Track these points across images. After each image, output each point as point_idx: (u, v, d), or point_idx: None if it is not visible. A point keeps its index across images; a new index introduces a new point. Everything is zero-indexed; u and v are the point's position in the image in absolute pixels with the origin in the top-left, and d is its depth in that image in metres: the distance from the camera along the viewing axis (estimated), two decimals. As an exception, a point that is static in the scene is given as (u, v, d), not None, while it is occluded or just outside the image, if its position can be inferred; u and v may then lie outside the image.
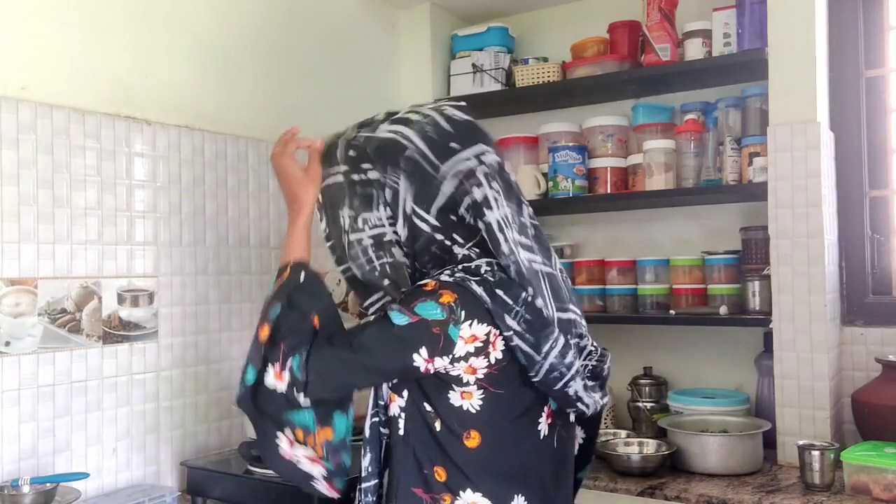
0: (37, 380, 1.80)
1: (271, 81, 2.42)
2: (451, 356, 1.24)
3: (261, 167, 2.37)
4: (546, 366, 1.27)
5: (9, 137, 1.77)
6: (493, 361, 1.26)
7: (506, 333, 1.25)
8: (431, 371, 1.25)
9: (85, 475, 1.81)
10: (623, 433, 2.36)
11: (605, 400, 1.43)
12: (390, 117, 1.40)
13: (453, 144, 1.32)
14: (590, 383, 1.37)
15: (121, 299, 1.98)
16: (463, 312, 1.23)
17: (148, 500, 1.86)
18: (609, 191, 2.59)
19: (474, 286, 1.24)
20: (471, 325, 1.23)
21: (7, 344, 1.75)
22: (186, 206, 2.15)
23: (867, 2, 2.37)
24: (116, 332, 1.96)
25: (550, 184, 2.62)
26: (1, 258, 1.75)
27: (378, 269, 1.39)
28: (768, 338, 2.26)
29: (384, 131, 1.37)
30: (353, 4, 2.75)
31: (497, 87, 2.78)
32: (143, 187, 2.05)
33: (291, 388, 1.22)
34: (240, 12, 2.32)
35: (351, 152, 1.39)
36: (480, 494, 1.28)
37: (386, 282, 1.40)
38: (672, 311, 2.47)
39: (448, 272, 1.28)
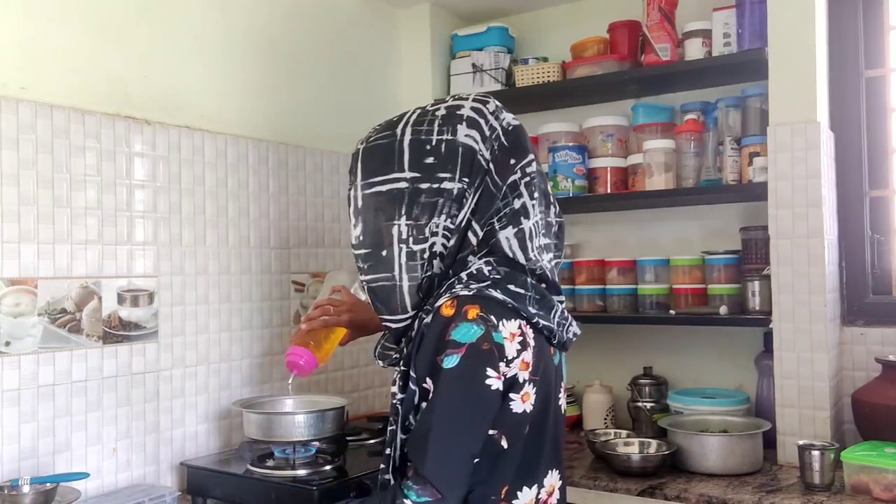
0: (37, 380, 1.80)
1: (271, 81, 2.43)
2: (506, 360, 1.26)
3: (261, 167, 2.37)
4: (557, 326, 1.35)
5: (9, 137, 1.77)
6: (533, 349, 1.30)
7: (532, 321, 1.30)
8: (502, 388, 1.25)
9: (85, 475, 1.81)
10: (623, 433, 2.36)
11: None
12: (453, 111, 1.36)
13: (512, 161, 1.35)
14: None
15: (121, 299, 1.98)
16: (492, 317, 1.25)
17: (148, 500, 1.86)
18: (609, 191, 2.59)
19: (493, 293, 1.27)
20: (504, 324, 1.26)
21: (7, 344, 1.75)
22: (186, 206, 2.15)
23: (867, 2, 2.37)
24: (116, 332, 1.96)
25: (550, 184, 2.61)
26: (1, 258, 1.75)
27: (418, 281, 1.34)
28: (768, 338, 2.26)
29: (463, 135, 1.33)
30: (353, 4, 2.75)
31: (497, 87, 2.78)
32: (143, 187, 2.05)
33: None
34: (240, 12, 2.32)
35: (430, 159, 1.32)
36: (536, 486, 1.34)
37: (407, 300, 1.35)
38: (672, 311, 2.47)
39: (461, 286, 1.28)
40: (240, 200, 2.30)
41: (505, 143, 1.36)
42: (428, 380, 1.26)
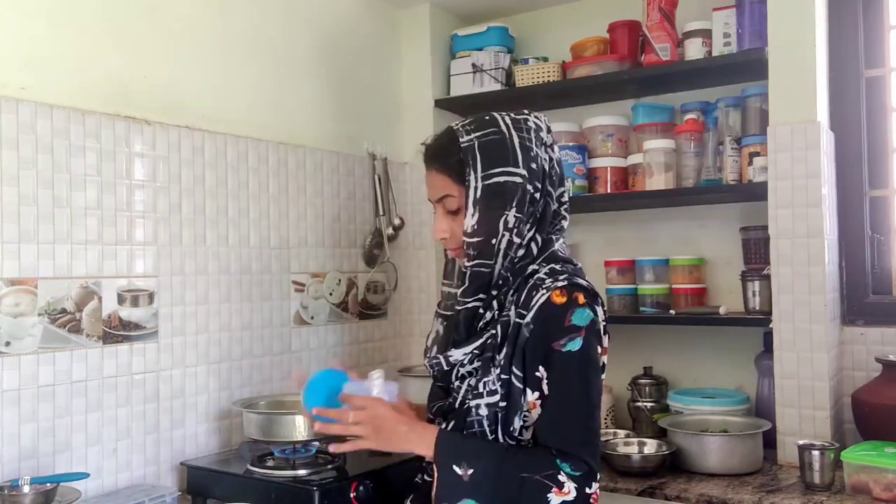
0: (37, 380, 1.80)
1: (271, 81, 2.42)
2: (601, 341, 1.42)
3: (261, 167, 2.37)
4: None
5: (9, 137, 1.77)
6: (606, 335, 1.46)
7: (603, 308, 1.45)
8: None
9: (85, 475, 1.81)
10: (623, 433, 2.37)
11: None
12: (538, 129, 1.48)
13: (561, 188, 1.52)
14: None
15: (121, 299, 1.98)
16: (591, 302, 1.40)
17: (148, 500, 1.86)
18: (609, 191, 2.59)
19: (580, 280, 1.42)
20: (597, 309, 1.41)
21: (7, 344, 1.75)
22: (186, 206, 2.15)
23: (867, 2, 2.37)
24: (116, 332, 1.96)
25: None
26: (1, 258, 1.75)
27: (503, 269, 1.45)
28: (768, 338, 2.26)
29: (545, 157, 1.47)
30: (353, 4, 2.75)
31: (497, 86, 2.78)
32: (143, 187, 2.05)
33: (584, 484, 1.31)
34: (240, 12, 2.32)
35: (533, 165, 1.44)
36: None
37: (492, 283, 1.46)
38: (672, 311, 2.47)
39: (563, 277, 1.40)
40: (240, 200, 2.30)
41: (557, 171, 1.51)
42: (541, 367, 1.35)
